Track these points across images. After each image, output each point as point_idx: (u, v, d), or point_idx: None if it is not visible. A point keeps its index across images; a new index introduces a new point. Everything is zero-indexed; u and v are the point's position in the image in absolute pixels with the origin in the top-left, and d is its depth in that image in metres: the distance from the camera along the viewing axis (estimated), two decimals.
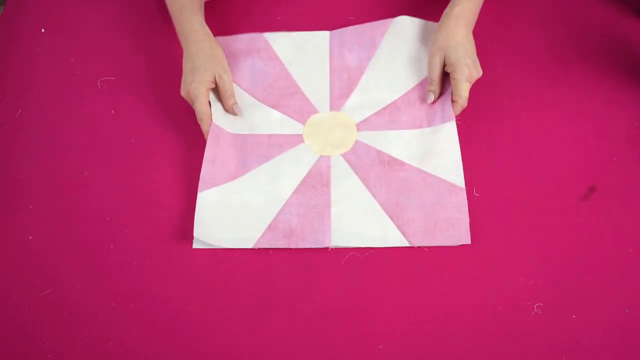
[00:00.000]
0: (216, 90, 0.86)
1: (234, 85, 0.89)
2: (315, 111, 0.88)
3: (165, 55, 0.94)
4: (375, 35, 0.93)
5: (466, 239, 0.76)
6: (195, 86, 0.82)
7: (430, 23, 0.93)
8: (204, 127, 0.83)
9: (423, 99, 0.87)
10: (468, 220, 0.77)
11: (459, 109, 0.84)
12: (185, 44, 0.86)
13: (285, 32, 0.94)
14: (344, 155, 0.84)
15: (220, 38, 0.94)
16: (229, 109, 0.86)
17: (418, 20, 0.93)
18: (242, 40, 0.94)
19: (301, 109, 0.88)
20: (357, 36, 0.93)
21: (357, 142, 0.85)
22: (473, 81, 0.83)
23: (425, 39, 0.91)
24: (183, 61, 0.86)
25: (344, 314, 0.72)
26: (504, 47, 0.94)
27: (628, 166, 0.82)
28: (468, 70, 0.82)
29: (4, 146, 0.86)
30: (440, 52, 0.84)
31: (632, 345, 0.69)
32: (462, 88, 0.82)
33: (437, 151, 0.83)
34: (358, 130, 0.86)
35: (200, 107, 0.82)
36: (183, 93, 0.85)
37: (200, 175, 0.81)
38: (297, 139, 0.86)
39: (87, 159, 0.84)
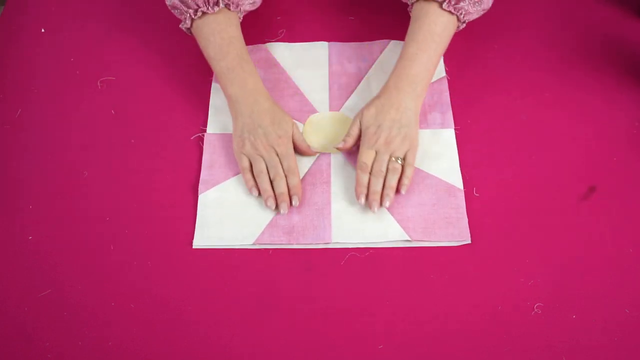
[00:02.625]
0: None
1: None
2: (315, 111, 0.89)
3: (165, 55, 0.94)
4: (374, 51, 0.94)
5: (466, 237, 0.76)
6: (285, 141, 0.80)
7: None
8: (294, 181, 0.78)
9: (422, 104, 0.87)
10: (467, 220, 0.77)
11: (358, 173, 0.78)
12: (253, 100, 0.81)
13: (285, 43, 0.95)
14: (344, 153, 0.84)
15: None
16: (306, 151, 0.82)
17: None
18: None
19: (301, 109, 0.89)
20: (356, 50, 0.95)
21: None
22: (384, 148, 0.78)
23: None
24: (246, 118, 0.80)
25: (344, 314, 0.72)
26: (504, 47, 0.94)
27: (628, 166, 0.82)
28: (373, 139, 0.78)
29: (4, 146, 0.86)
30: (360, 115, 0.81)
31: (632, 345, 0.69)
32: (361, 153, 0.79)
33: (436, 154, 0.83)
34: None
35: (292, 162, 0.79)
36: (258, 149, 0.79)
37: (200, 178, 0.82)
38: None
39: (87, 159, 0.84)
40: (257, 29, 0.97)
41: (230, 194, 0.81)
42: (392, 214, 0.78)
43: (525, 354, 0.69)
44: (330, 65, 0.93)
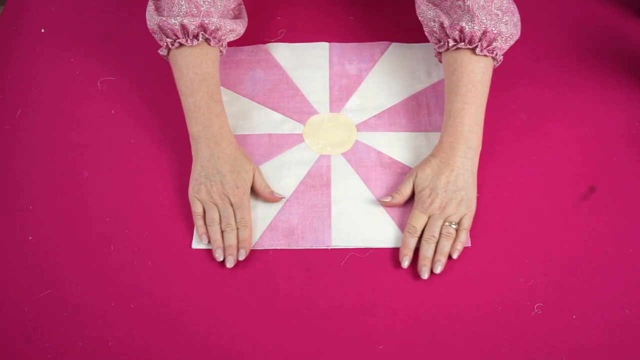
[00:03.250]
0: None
1: (234, 93, 0.90)
2: (315, 112, 0.88)
3: None
4: (375, 52, 0.94)
5: (466, 241, 0.76)
6: (241, 191, 0.77)
7: (429, 44, 0.94)
8: (244, 235, 0.75)
9: (422, 106, 0.88)
10: None
11: (406, 236, 0.75)
12: (215, 142, 0.78)
13: (286, 43, 0.95)
14: (344, 155, 0.84)
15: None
16: (270, 198, 0.79)
17: (416, 44, 0.94)
18: (244, 51, 0.94)
19: (301, 110, 0.88)
20: (357, 50, 0.94)
21: (357, 142, 0.85)
22: (438, 213, 0.75)
23: (424, 58, 0.93)
24: (206, 162, 0.78)
25: (344, 314, 0.72)
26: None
27: (628, 166, 0.82)
28: (427, 202, 0.76)
29: (4, 146, 0.86)
30: (414, 174, 0.78)
31: (632, 345, 0.69)
32: (412, 216, 0.76)
33: None
34: (358, 130, 0.86)
35: (245, 215, 0.76)
36: (212, 196, 0.77)
37: None
38: (297, 139, 0.86)
39: (87, 159, 0.84)
40: (257, 29, 0.97)
41: None
42: (392, 218, 0.78)
43: (525, 354, 0.69)
44: (330, 66, 0.93)
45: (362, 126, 0.87)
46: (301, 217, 0.79)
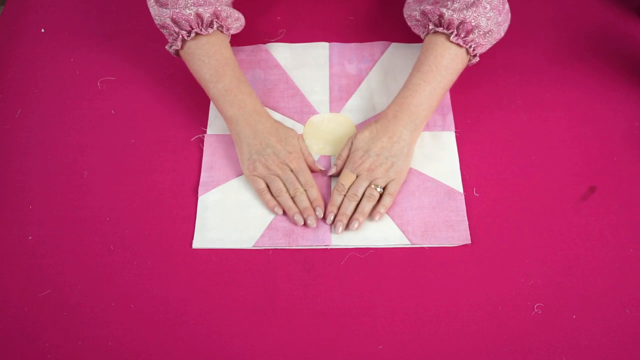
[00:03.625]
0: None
1: None
2: (315, 112, 0.88)
3: (165, 55, 0.94)
4: (375, 52, 0.94)
5: (466, 239, 0.76)
6: (295, 156, 0.79)
7: None
8: (314, 194, 0.77)
9: None
10: (467, 223, 0.77)
11: (333, 193, 0.78)
12: (254, 119, 0.79)
13: (286, 43, 0.95)
14: None
15: None
16: (312, 167, 0.81)
17: (416, 44, 0.94)
18: (245, 52, 0.94)
19: (301, 110, 0.88)
20: (357, 50, 0.94)
21: None
22: (365, 174, 0.77)
23: None
24: (251, 139, 0.79)
25: (344, 314, 0.72)
26: (504, 48, 0.94)
27: (628, 166, 0.82)
28: (358, 162, 0.77)
29: (4, 146, 0.86)
30: (353, 136, 0.81)
31: (632, 345, 0.69)
32: (342, 174, 0.78)
33: (436, 156, 0.83)
34: (358, 131, 0.86)
35: (307, 176, 0.78)
36: (270, 168, 0.78)
37: (200, 181, 0.82)
38: None
39: (87, 159, 0.84)
40: (257, 29, 0.97)
41: (229, 196, 0.81)
42: (392, 218, 0.78)
43: (525, 354, 0.69)
44: (330, 66, 0.93)
45: (362, 126, 0.87)
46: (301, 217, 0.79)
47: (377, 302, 0.72)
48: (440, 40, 0.80)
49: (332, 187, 0.81)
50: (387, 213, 0.79)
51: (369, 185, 0.77)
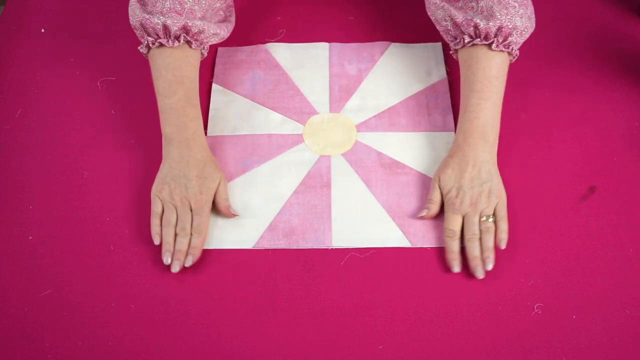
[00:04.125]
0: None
1: (234, 94, 0.90)
2: (315, 112, 0.88)
3: None
4: (375, 52, 0.94)
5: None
6: (204, 198, 0.76)
7: (428, 45, 0.94)
8: (196, 242, 0.75)
9: (422, 106, 0.88)
10: None
11: (447, 241, 0.75)
12: (187, 145, 0.78)
13: (285, 43, 0.95)
14: (344, 155, 0.84)
15: (223, 49, 0.95)
16: (225, 212, 0.78)
17: (416, 45, 0.95)
18: (244, 52, 0.94)
19: (301, 110, 0.88)
20: (357, 51, 0.94)
21: (357, 142, 0.85)
22: (471, 210, 0.75)
23: (424, 58, 0.93)
24: (175, 163, 0.77)
25: (344, 314, 0.72)
26: None
27: (628, 166, 0.82)
28: (457, 202, 0.75)
29: (4, 146, 0.86)
30: (437, 178, 0.78)
31: (632, 345, 0.69)
32: (447, 220, 0.76)
33: (436, 157, 0.83)
34: (358, 131, 0.86)
35: (202, 222, 0.76)
36: (174, 198, 0.76)
37: None
38: (297, 139, 0.86)
39: (87, 159, 0.84)
40: (257, 29, 0.97)
41: (229, 196, 0.81)
42: (393, 218, 0.78)
43: (525, 354, 0.69)
44: (330, 66, 0.93)
45: (362, 126, 0.87)
46: (301, 217, 0.79)
47: (377, 302, 0.72)
48: (482, 52, 0.78)
49: (331, 200, 0.80)
50: (387, 213, 0.79)
51: (479, 220, 0.75)
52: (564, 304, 0.72)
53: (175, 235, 0.75)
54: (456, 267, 0.73)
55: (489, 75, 0.78)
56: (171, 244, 0.75)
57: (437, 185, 0.78)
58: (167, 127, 0.79)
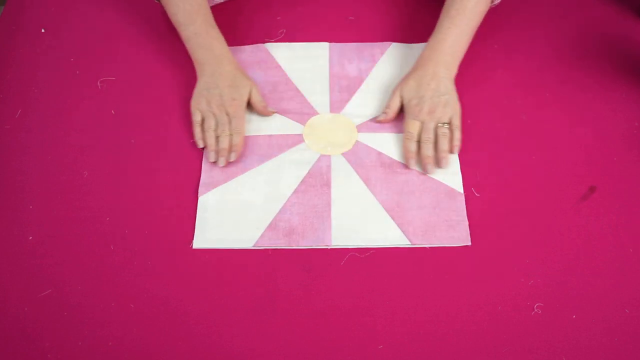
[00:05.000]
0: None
1: None
2: (315, 113, 0.88)
3: (165, 55, 0.94)
4: (375, 52, 0.94)
5: (466, 241, 0.76)
6: (237, 103, 0.85)
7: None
8: (236, 140, 0.83)
9: None
10: (467, 223, 0.77)
11: (406, 142, 0.83)
12: (217, 62, 0.86)
13: (285, 43, 0.95)
14: (344, 155, 0.84)
15: None
16: (265, 113, 0.87)
17: (416, 44, 0.95)
18: (244, 52, 0.94)
19: (301, 111, 0.88)
20: (357, 51, 0.95)
21: (357, 142, 0.85)
22: (428, 118, 0.83)
23: None
24: (208, 77, 0.86)
25: (344, 314, 0.72)
26: (504, 47, 0.94)
27: (628, 166, 0.82)
28: (417, 110, 0.84)
29: (4, 146, 0.86)
30: (399, 88, 0.86)
31: (632, 345, 0.69)
32: (407, 124, 0.84)
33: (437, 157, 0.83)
34: (358, 131, 0.87)
35: (239, 124, 0.84)
36: (211, 107, 0.84)
37: (200, 181, 0.82)
38: (297, 139, 0.86)
39: (87, 159, 0.84)
40: (257, 29, 0.97)
41: (229, 196, 0.81)
42: (393, 218, 0.78)
43: (525, 354, 0.69)
44: (331, 66, 0.93)
45: (363, 127, 0.87)
46: (301, 216, 0.79)
47: (377, 302, 0.72)
48: None
49: (331, 199, 0.80)
50: (387, 213, 0.79)
51: (436, 126, 0.83)
52: (564, 304, 0.72)
53: (217, 138, 0.84)
54: (412, 165, 0.82)
55: (465, 7, 0.87)
56: (214, 145, 0.83)
57: (398, 95, 0.86)
58: (197, 50, 0.88)
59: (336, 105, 0.89)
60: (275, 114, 0.88)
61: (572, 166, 0.82)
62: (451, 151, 0.83)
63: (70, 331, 0.71)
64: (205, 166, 0.83)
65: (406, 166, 0.83)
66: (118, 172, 0.83)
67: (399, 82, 0.87)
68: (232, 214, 0.79)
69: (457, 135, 0.83)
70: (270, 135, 0.86)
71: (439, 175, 0.82)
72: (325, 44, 0.95)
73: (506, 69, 0.92)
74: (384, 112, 0.86)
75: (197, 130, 0.84)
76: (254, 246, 0.77)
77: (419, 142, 0.83)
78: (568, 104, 0.88)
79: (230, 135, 0.83)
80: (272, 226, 0.78)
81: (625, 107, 0.87)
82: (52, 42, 0.97)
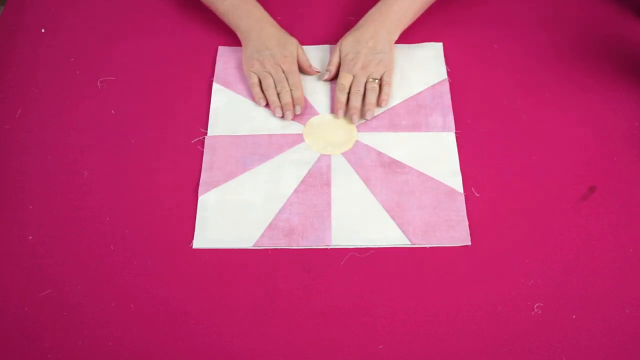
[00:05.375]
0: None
1: (235, 93, 0.91)
2: (316, 113, 0.88)
3: (165, 55, 0.94)
4: None
5: (466, 240, 0.76)
6: (290, 60, 0.89)
7: (428, 44, 0.94)
8: (298, 94, 0.87)
9: (422, 106, 0.88)
10: (467, 223, 0.77)
11: (337, 94, 0.87)
12: (259, 26, 0.90)
13: None
14: (344, 155, 0.84)
15: (224, 48, 0.95)
16: (309, 71, 0.91)
17: (416, 45, 0.95)
18: None
19: (301, 111, 0.88)
20: None
21: (357, 142, 0.85)
22: (361, 72, 0.87)
23: (424, 58, 0.93)
24: (255, 41, 0.89)
25: (344, 314, 0.72)
26: (504, 47, 0.94)
27: (628, 166, 0.82)
28: (351, 64, 0.87)
29: (4, 146, 0.86)
30: (339, 43, 0.90)
31: (632, 345, 0.69)
32: (340, 76, 0.88)
33: (437, 157, 0.83)
34: (358, 131, 0.87)
35: (296, 78, 0.88)
36: (265, 67, 0.87)
37: (200, 181, 0.82)
38: (298, 139, 0.86)
39: (87, 159, 0.84)
40: None
41: (230, 196, 0.81)
42: (393, 217, 0.78)
43: (525, 354, 0.69)
44: None
45: (363, 126, 0.87)
46: (301, 216, 0.79)
47: (377, 302, 0.72)
48: None
49: (331, 199, 0.80)
50: (387, 213, 0.79)
51: (367, 81, 0.87)
52: (564, 304, 0.72)
53: (278, 95, 0.87)
54: (340, 113, 0.86)
55: None
56: (278, 101, 0.87)
57: (338, 50, 0.90)
58: (238, 20, 0.91)
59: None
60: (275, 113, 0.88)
61: (572, 166, 0.82)
62: (379, 104, 0.87)
63: (70, 331, 0.71)
64: (205, 166, 0.83)
65: (406, 166, 0.83)
66: (118, 172, 0.83)
67: (341, 39, 0.90)
68: (232, 214, 0.79)
69: (387, 90, 0.87)
70: (270, 135, 0.86)
71: (439, 175, 0.82)
72: (326, 46, 0.95)
73: (506, 68, 0.92)
74: (327, 70, 0.90)
75: (256, 91, 0.87)
76: (254, 246, 0.77)
77: (349, 94, 0.87)
78: (568, 104, 0.88)
79: (290, 90, 0.87)
80: (272, 226, 0.78)
81: (625, 107, 0.87)
82: (52, 42, 0.97)
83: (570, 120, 0.86)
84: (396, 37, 0.90)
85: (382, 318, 0.71)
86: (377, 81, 0.87)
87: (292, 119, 0.87)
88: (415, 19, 0.92)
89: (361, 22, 0.91)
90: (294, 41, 0.90)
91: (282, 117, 0.86)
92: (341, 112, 0.86)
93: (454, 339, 0.70)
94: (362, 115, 0.86)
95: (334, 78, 0.90)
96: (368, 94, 0.86)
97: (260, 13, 0.92)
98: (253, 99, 0.88)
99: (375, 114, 0.87)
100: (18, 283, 0.74)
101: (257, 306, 0.72)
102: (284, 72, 0.88)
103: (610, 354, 0.68)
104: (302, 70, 0.91)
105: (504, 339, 0.69)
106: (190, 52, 0.93)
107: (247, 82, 0.91)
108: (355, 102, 0.86)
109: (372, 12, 0.91)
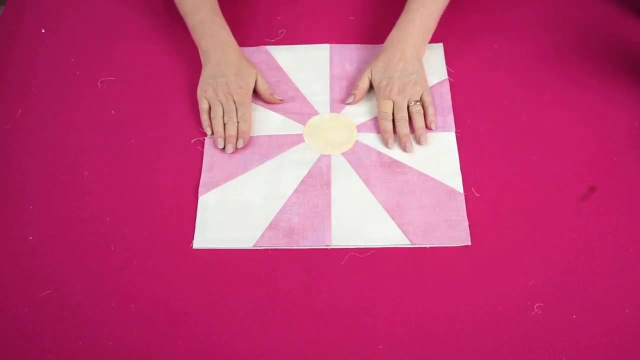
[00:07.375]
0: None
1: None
2: (316, 113, 0.88)
3: (165, 55, 0.94)
4: (375, 53, 0.94)
5: (466, 240, 0.76)
6: (244, 91, 0.86)
7: (429, 45, 0.94)
8: (244, 127, 0.85)
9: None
10: (467, 223, 0.77)
11: (381, 122, 0.85)
12: (221, 50, 0.88)
13: (286, 45, 0.95)
14: (344, 155, 0.84)
15: None
16: (271, 100, 0.88)
17: None
18: (245, 53, 0.94)
19: (301, 111, 0.88)
20: (357, 52, 0.95)
21: (357, 142, 0.85)
22: (400, 97, 0.85)
23: (424, 59, 0.92)
24: (214, 65, 0.87)
25: (344, 314, 0.72)
26: (504, 47, 0.94)
27: (628, 166, 0.82)
28: (387, 90, 0.86)
29: (4, 146, 0.86)
30: (368, 70, 0.88)
31: (632, 345, 0.69)
32: (379, 105, 0.86)
33: (437, 157, 0.83)
34: (358, 131, 0.87)
35: (246, 111, 0.85)
36: (218, 94, 0.86)
37: (200, 181, 0.82)
38: (298, 139, 0.86)
39: (87, 159, 0.84)
40: (257, 29, 0.97)
41: (230, 196, 0.81)
42: (393, 218, 0.78)
43: (525, 354, 0.69)
44: (331, 67, 0.93)
45: (363, 127, 0.87)
46: (301, 216, 0.79)
47: (377, 302, 0.72)
48: None
49: (331, 199, 0.80)
50: (387, 213, 0.79)
51: (408, 105, 0.86)
52: (564, 304, 0.72)
53: (224, 125, 0.85)
54: (390, 142, 0.84)
55: None
56: (222, 132, 0.85)
57: (367, 76, 0.88)
58: (202, 39, 0.89)
59: (336, 105, 0.89)
60: (276, 114, 0.88)
61: (572, 166, 0.82)
62: (428, 127, 0.85)
63: (70, 331, 0.71)
64: (205, 166, 0.83)
65: (406, 166, 0.83)
66: (118, 172, 0.83)
67: (369, 64, 0.89)
68: (232, 214, 0.79)
69: (431, 111, 0.85)
70: (270, 135, 0.86)
71: (439, 175, 0.82)
72: (326, 45, 0.95)
73: (506, 68, 0.92)
74: (352, 94, 0.88)
75: (204, 118, 0.86)
76: (254, 246, 0.77)
77: (393, 121, 0.85)
78: (568, 104, 0.88)
79: (237, 122, 0.85)
80: (272, 226, 0.78)
81: (625, 107, 0.87)
82: (52, 42, 0.97)
83: (570, 120, 0.86)
84: (424, 52, 0.89)
85: (382, 318, 0.71)
86: (418, 103, 0.86)
87: (290, 125, 0.86)
88: (435, 27, 0.90)
89: (385, 45, 0.89)
90: (252, 72, 0.88)
91: (223, 149, 0.84)
92: (391, 140, 0.84)
93: (454, 339, 0.70)
94: (417, 140, 0.84)
95: (357, 102, 0.89)
96: (415, 119, 0.85)
97: (226, 36, 0.89)
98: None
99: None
100: (18, 283, 0.74)
101: (257, 306, 0.72)
102: (235, 102, 0.86)
103: (610, 354, 0.68)
104: (264, 100, 0.89)
105: (504, 339, 0.69)
106: (190, 52, 0.93)
107: None
108: (404, 128, 0.84)
109: (394, 33, 0.89)
